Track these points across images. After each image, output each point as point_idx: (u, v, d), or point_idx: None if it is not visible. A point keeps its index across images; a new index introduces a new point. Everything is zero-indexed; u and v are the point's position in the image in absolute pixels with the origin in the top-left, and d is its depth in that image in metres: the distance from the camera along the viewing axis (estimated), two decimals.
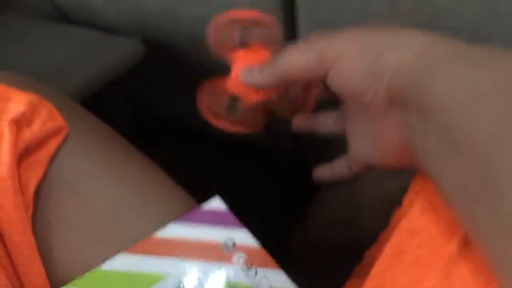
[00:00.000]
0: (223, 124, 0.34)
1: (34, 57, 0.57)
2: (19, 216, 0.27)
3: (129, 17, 0.62)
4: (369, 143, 0.31)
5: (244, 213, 0.30)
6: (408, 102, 0.25)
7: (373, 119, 0.29)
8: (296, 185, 0.78)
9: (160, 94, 0.79)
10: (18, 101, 0.31)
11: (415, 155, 0.26)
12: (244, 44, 0.33)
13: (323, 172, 0.38)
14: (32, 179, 0.29)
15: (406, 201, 0.33)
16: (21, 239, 0.27)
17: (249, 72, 0.32)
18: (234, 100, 0.34)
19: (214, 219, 0.28)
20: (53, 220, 0.29)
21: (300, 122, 0.38)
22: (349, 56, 0.27)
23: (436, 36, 0.26)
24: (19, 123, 0.30)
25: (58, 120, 0.31)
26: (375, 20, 0.46)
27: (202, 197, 0.34)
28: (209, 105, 0.34)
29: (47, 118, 0.31)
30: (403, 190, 0.44)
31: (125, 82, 0.76)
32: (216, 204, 0.29)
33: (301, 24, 0.52)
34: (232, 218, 0.28)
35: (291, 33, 0.53)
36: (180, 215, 0.29)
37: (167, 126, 0.81)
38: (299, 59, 0.29)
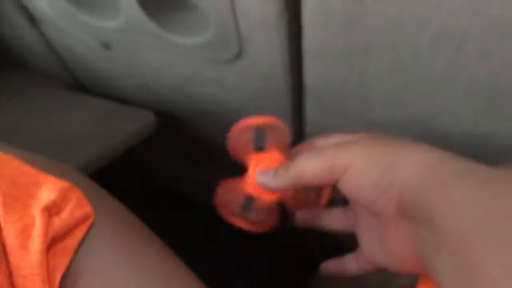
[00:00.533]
0: (238, 222, 0.36)
1: (50, 126, 0.59)
2: None
3: (142, 91, 0.65)
4: (380, 247, 0.32)
5: None
6: (419, 217, 0.27)
7: (384, 226, 0.30)
8: (295, 265, 0.79)
9: (165, 166, 0.80)
10: (49, 188, 0.32)
11: (427, 267, 0.27)
12: (259, 147, 0.37)
13: (333, 267, 0.39)
14: (59, 268, 0.30)
15: None
16: None
17: (264, 175, 0.34)
18: (249, 199, 0.36)
19: None
20: None
21: (303, 218, 0.40)
22: (359, 168, 0.29)
23: (443, 153, 0.28)
24: (50, 210, 0.31)
25: (86, 208, 0.33)
26: (378, 116, 0.49)
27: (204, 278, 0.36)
28: (225, 203, 0.37)
29: (77, 206, 0.32)
30: (410, 277, 0.45)
31: (132, 152, 0.78)
32: None
33: (308, 110, 0.55)
34: None
35: (298, 123, 0.57)
36: None
37: (173, 198, 0.83)
38: (311, 166, 0.31)
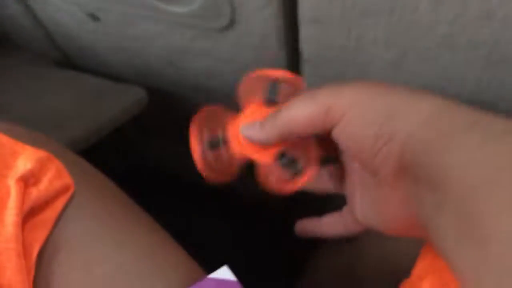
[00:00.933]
0: (199, 163, 0.32)
1: (38, 103, 0.57)
2: (21, 281, 0.26)
3: (133, 65, 0.62)
4: (373, 207, 0.29)
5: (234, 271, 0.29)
6: (419, 174, 0.24)
7: (380, 185, 0.27)
8: (286, 243, 0.78)
9: (156, 145, 0.79)
10: (26, 157, 0.30)
11: (426, 231, 0.25)
12: (271, 100, 0.32)
13: (310, 225, 0.36)
14: (36, 242, 0.28)
15: (415, 273, 0.33)
16: None
17: (250, 127, 0.30)
18: (222, 141, 0.32)
19: None
20: (54, 286, 0.28)
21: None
22: (357, 115, 0.25)
23: (447, 100, 0.24)
24: (27, 181, 0.29)
25: (66, 179, 0.31)
26: (378, 79, 0.47)
27: (195, 256, 0.33)
28: (197, 134, 0.32)
29: (56, 176, 0.30)
30: (408, 256, 0.43)
31: (121, 129, 0.76)
32: (224, 274, 0.28)
33: (305, 79, 0.52)
34: None
35: None
36: (189, 281, 0.28)
37: (162, 177, 0.81)
38: (303, 112, 0.27)
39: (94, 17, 0.54)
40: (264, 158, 0.31)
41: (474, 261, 0.20)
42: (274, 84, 0.33)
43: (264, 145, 0.30)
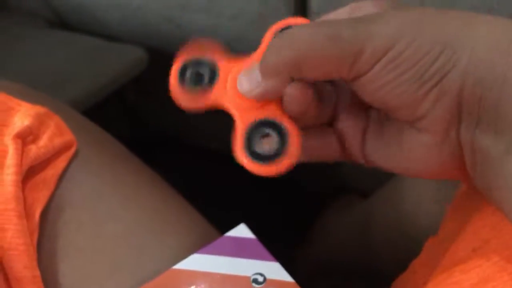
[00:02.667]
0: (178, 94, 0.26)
1: (33, 65, 0.54)
2: (23, 243, 0.25)
3: (130, 23, 0.59)
4: (390, 152, 0.24)
5: None
6: (483, 114, 0.20)
7: (419, 131, 0.22)
8: (294, 207, 0.76)
9: (159, 106, 0.76)
10: (23, 114, 0.28)
11: (481, 182, 0.21)
12: None
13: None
14: (38, 202, 0.26)
15: (442, 233, 0.31)
16: (25, 271, 0.24)
17: (249, 72, 0.23)
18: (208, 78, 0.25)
19: (241, 250, 0.26)
20: (61, 247, 0.27)
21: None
22: (403, 50, 0.20)
23: None
24: (25, 138, 0.27)
25: (67, 135, 0.29)
26: None
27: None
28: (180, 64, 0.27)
29: (55, 133, 0.28)
30: (429, 216, 0.41)
31: (123, 93, 0.73)
32: (242, 232, 0.26)
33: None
34: (262, 248, 0.26)
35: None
36: (204, 245, 0.26)
37: (166, 141, 0.79)
38: (322, 53, 0.20)
39: None
40: (245, 120, 0.24)
41: None
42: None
43: (254, 99, 0.23)
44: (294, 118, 0.24)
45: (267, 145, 0.23)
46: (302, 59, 0.21)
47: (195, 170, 0.73)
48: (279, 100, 0.23)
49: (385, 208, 0.49)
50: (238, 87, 0.24)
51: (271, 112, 0.23)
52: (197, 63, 0.26)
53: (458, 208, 0.30)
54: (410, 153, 0.23)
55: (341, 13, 0.24)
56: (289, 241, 0.68)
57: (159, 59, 0.62)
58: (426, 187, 0.44)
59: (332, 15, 0.24)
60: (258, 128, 0.23)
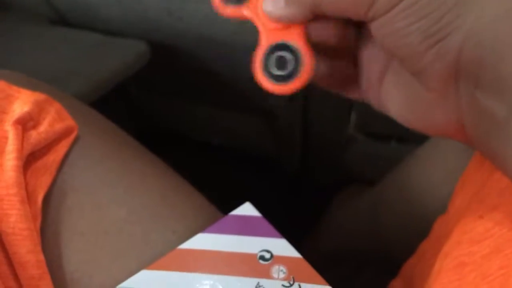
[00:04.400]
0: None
1: (35, 62, 0.54)
2: (26, 228, 0.24)
3: (131, 18, 0.59)
4: (401, 102, 0.25)
5: None
6: (483, 78, 0.20)
7: (422, 86, 0.23)
8: (303, 198, 0.76)
9: (163, 102, 0.76)
10: (23, 100, 0.28)
11: (483, 144, 0.22)
12: None
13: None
14: (41, 187, 0.26)
15: (452, 206, 0.30)
16: (29, 256, 0.24)
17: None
18: None
19: (247, 228, 0.25)
20: (64, 232, 0.26)
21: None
22: (412, 3, 0.20)
23: None
24: (25, 124, 0.27)
25: (68, 121, 0.28)
26: None
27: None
28: None
29: (56, 119, 0.28)
30: (438, 199, 0.41)
31: (127, 89, 0.73)
32: (248, 210, 0.26)
33: None
34: (268, 225, 0.25)
35: None
36: (209, 224, 0.26)
37: (170, 137, 0.79)
38: None
39: None
40: (267, 40, 0.25)
41: None
42: None
43: (281, 22, 0.25)
44: (317, 43, 0.26)
45: (282, 66, 0.25)
46: (322, 10, 0.22)
47: (198, 164, 0.73)
48: (303, 25, 0.25)
49: (393, 193, 0.48)
50: (263, 6, 0.25)
51: (292, 36, 0.25)
52: None
53: (466, 183, 0.29)
54: (415, 106, 0.24)
55: None
56: (296, 235, 0.68)
57: (161, 52, 0.62)
58: (434, 170, 0.43)
59: None
60: (276, 50, 0.25)
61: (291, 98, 0.65)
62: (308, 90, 0.58)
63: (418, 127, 0.25)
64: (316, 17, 0.24)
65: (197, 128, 0.80)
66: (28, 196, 0.25)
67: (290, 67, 0.25)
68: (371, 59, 0.27)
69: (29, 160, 0.26)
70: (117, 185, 0.28)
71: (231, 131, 0.78)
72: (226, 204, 0.29)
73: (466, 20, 0.20)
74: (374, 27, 0.22)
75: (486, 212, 0.24)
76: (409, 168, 0.47)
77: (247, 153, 0.78)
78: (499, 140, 0.20)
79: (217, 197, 0.33)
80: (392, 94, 0.26)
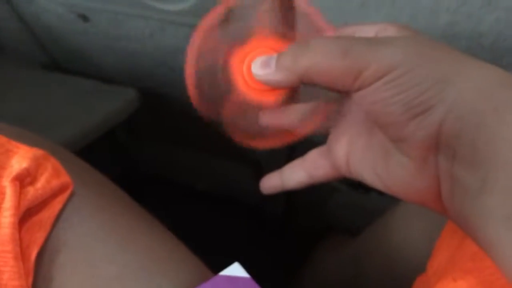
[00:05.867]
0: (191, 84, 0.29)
1: (26, 107, 0.55)
2: (19, 285, 0.25)
3: (124, 67, 0.61)
4: (375, 165, 0.26)
5: None
6: (459, 149, 0.21)
7: (403, 153, 0.24)
8: (286, 241, 0.76)
9: (150, 148, 0.77)
10: (21, 156, 0.29)
11: (457, 214, 0.23)
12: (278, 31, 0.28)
13: (272, 179, 0.33)
14: (35, 243, 0.27)
15: (431, 270, 0.32)
16: None
17: (264, 64, 0.26)
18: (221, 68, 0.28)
19: None
20: None
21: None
22: (399, 77, 0.22)
23: (506, 73, 0.22)
24: (23, 180, 0.28)
25: (64, 177, 0.29)
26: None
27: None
28: (195, 57, 0.29)
29: (53, 175, 0.29)
30: (420, 252, 0.42)
31: (114, 134, 0.74)
32: (236, 271, 0.27)
33: None
34: (256, 287, 0.26)
35: None
36: (199, 284, 0.26)
37: (155, 180, 0.79)
38: (331, 66, 0.23)
39: (85, 18, 0.53)
40: (270, 99, 0.27)
41: None
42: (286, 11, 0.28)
43: (273, 86, 0.26)
44: None
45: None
46: (315, 68, 0.24)
47: (182, 209, 0.73)
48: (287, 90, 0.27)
49: (374, 246, 0.49)
50: (252, 68, 0.26)
51: (270, 98, 0.27)
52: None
53: (442, 246, 0.31)
54: (392, 172, 0.25)
55: (368, 30, 0.27)
56: (279, 281, 0.68)
57: (151, 99, 0.64)
58: (415, 224, 0.44)
59: (359, 30, 0.28)
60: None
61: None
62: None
63: (392, 192, 0.26)
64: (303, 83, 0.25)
65: (183, 172, 0.80)
66: (22, 252, 0.26)
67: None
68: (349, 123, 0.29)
69: (25, 216, 0.27)
70: (109, 241, 0.29)
71: (216, 176, 0.79)
72: (210, 252, 0.30)
73: (449, 94, 0.21)
74: (359, 96, 0.24)
75: (459, 275, 0.26)
76: (389, 221, 0.48)
77: (232, 197, 0.79)
78: (472, 211, 0.22)
79: (202, 243, 0.34)
80: (365, 158, 0.27)
